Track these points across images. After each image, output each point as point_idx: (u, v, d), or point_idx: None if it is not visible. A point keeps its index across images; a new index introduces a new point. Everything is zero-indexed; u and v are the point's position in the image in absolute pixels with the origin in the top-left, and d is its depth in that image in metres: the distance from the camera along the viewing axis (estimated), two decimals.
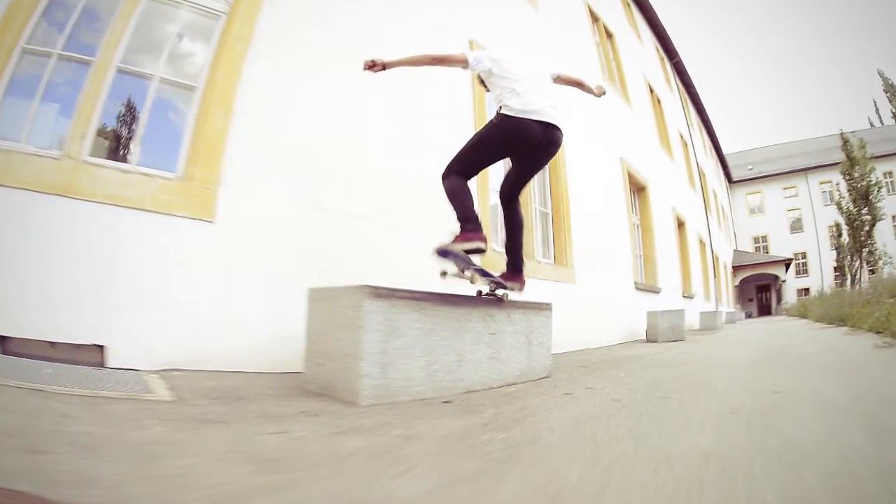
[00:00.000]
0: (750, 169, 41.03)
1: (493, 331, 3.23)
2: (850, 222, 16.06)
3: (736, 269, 31.98)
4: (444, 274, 3.22)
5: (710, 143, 28.24)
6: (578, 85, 3.68)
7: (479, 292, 3.40)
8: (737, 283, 32.48)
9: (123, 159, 3.35)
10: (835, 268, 33.39)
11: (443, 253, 3.11)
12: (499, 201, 3.45)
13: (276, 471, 1.37)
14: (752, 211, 40.53)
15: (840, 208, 16.54)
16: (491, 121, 3.14)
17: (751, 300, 37.47)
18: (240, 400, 2.38)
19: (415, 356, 2.69)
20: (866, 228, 15.20)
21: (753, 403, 2.31)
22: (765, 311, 37.64)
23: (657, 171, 12.43)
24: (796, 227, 38.94)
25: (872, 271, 18.46)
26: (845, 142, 15.61)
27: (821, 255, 37.11)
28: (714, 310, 15.45)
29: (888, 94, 44.08)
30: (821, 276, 36.22)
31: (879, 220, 15.37)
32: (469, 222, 3.00)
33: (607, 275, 8.20)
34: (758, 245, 39.31)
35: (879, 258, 17.95)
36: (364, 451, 1.61)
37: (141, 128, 3.45)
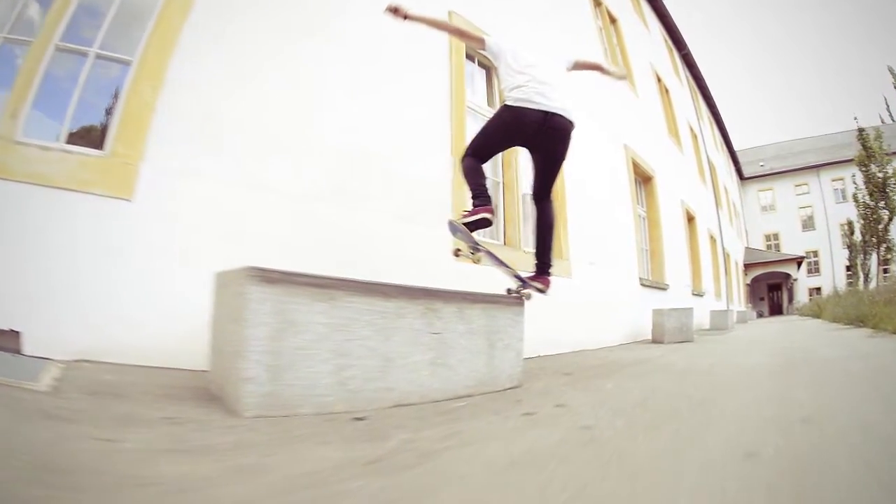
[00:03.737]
0: (762, 165, 39.91)
1: (438, 329, 2.55)
2: (865, 217, 14.93)
3: (747, 267, 30.96)
4: (457, 252, 3.46)
5: (721, 138, 27.31)
6: (597, 68, 3.83)
7: (508, 290, 3.42)
8: (748, 281, 31.47)
9: (58, 139, 3.06)
10: (847, 267, 32.34)
11: (452, 228, 3.29)
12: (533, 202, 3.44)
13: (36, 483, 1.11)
14: (764, 208, 39.39)
15: (856, 201, 15.43)
16: (497, 110, 3.26)
17: (762, 299, 36.36)
18: (117, 397, 2.06)
19: (320, 358, 2.10)
20: (883, 223, 14.07)
21: (777, 440, 1.60)
22: (776, 310, 36.51)
23: (665, 161, 11.65)
24: (808, 224, 37.77)
25: (886, 270, 17.47)
26: (861, 131, 14.50)
27: (832, 253, 35.98)
28: (725, 308, 14.62)
29: (858, 138, 42.75)
30: (832, 274, 35.18)
31: (892, 217, 14.29)
32: (477, 197, 3.08)
33: (608, 269, 7.48)
34: (769, 243, 38.15)
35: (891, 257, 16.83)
36: (168, 480, 1.22)
37: (73, 106, 3.15)
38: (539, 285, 3.35)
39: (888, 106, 47.24)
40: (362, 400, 2.20)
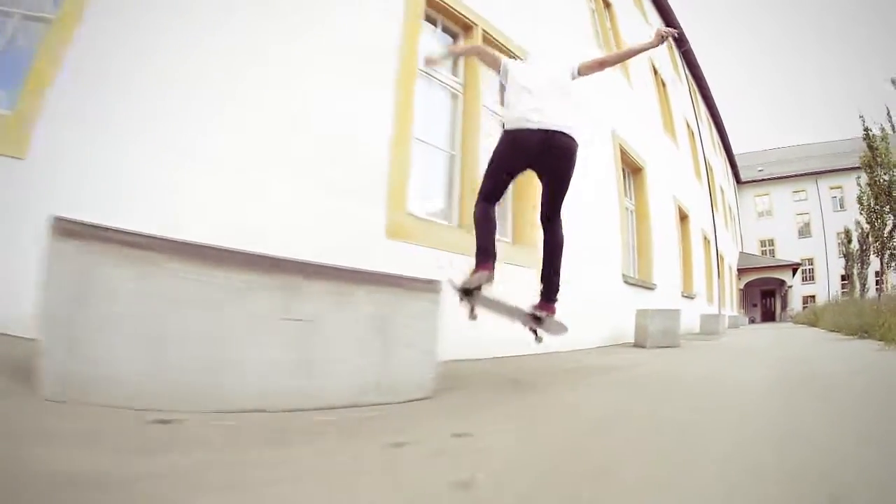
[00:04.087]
0: (760, 170, 39.21)
1: (302, 315, 1.84)
2: (871, 222, 14.03)
3: (741, 271, 30.31)
4: (473, 315, 3.15)
5: (720, 140, 26.63)
6: (616, 61, 3.77)
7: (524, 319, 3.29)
8: (741, 286, 30.83)
9: None
10: (842, 276, 31.77)
11: (460, 291, 3.04)
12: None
13: None
14: (760, 214, 38.70)
15: (861, 204, 14.53)
16: (498, 140, 3.13)
17: (755, 305, 35.69)
18: None
19: (129, 337, 1.63)
20: (888, 229, 13.21)
21: None
22: (769, 316, 35.86)
23: (658, 153, 10.90)
24: (804, 231, 37.13)
25: (878, 282, 16.82)
26: (867, 132, 13.70)
27: (828, 262, 35.35)
28: (716, 313, 13.90)
29: (864, 138, 42.33)
30: (828, 283, 34.69)
31: None
32: (479, 254, 3.00)
33: (587, 263, 6.74)
34: (764, 249, 37.48)
35: None
36: None
37: None
38: (542, 313, 3.17)
39: (890, 117, 46.87)
40: (182, 398, 1.65)
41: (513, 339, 4.67)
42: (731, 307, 22.01)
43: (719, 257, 18.19)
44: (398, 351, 2.20)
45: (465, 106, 5.37)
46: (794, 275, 33.72)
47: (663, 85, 13.55)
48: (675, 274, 11.01)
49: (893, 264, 13.57)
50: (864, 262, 25.40)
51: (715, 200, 19.44)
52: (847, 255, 27.35)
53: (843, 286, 32.54)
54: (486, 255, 2.96)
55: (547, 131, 2.91)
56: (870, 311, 7.99)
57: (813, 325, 15.00)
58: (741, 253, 31.94)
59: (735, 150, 32.48)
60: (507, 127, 3.03)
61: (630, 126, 9.15)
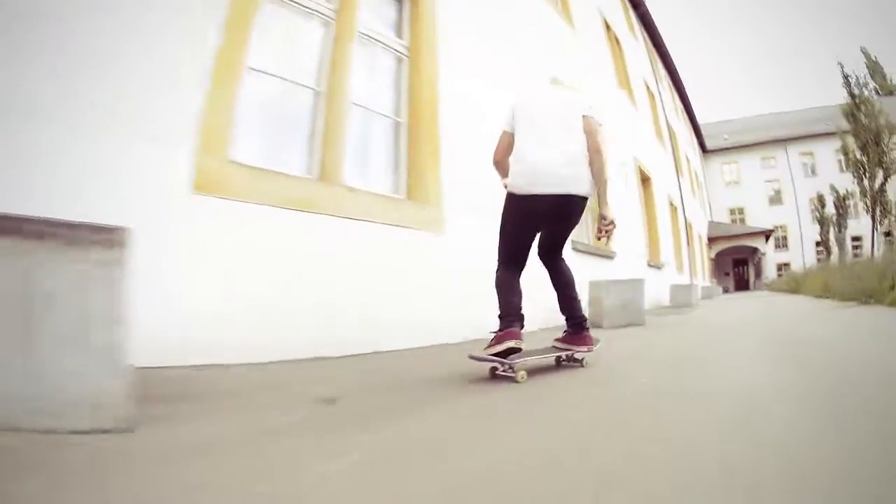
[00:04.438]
0: (726, 139, 38.45)
1: None
2: (857, 174, 12.54)
3: (711, 240, 29.42)
4: (493, 373, 2.64)
5: (682, 107, 25.65)
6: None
7: (558, 359, 3.02)
8: (712, 255, 29.97)
9: None
10: (817, 242, 31.30)
11: (477, 359, 2.65)
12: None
13: None
14: (728, 183, 38.02)
15: (845, 154, 13.00)
16: (505, 204, 2.84)
17: (727, 274, 34.98)
18: None
19: None
20: (879, 181, 11.75)
21: None
22: (742, 285, 35.19)
23: (612, 107, 9.66)
24: (775, 199, 36.57)
25: (889, 234, 15.21)
26: (846, 78, 12.35)
27: (801, 228, 34.87)
28: (688, 283, 12.79)
29: (870, 71, 42.37)
30: (802, 250, 34.21)
31: (893, 174, 11.85)
32: (504, 317, 2.69)
33: None
34: (734, 217, 36.75)
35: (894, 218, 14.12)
36: None
37: None
38: (582, 347, 2.93)
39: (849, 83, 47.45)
40: None
41: (406, 325, 3.53)
42: (704, 277, 21.07)
43: (688, 224, 17.17)
44: (54, 349, 1.30)
45: (412, 70, 4.59)
46: (767, 241, 33.11)
47: (617, 42, 12.35)
48: (638, 241, 9.77)
49: (886, 221, 12.25)
50: (841, 226, 24.85)
51: (680, 165, 18.40)
52: (822, 221, 26.80)
53: (818, 252, 32.35)
54: (510, 317, 2.67)
55: (561, 196, 2.65)
56: (871, 274, 6.83)
57: (794, 291, 13.99)
58: (710, 222, 31.15)
59: (700, 119, 31.76)
60: (517, 191, 2.71)
61: (573, 73, 7.86)
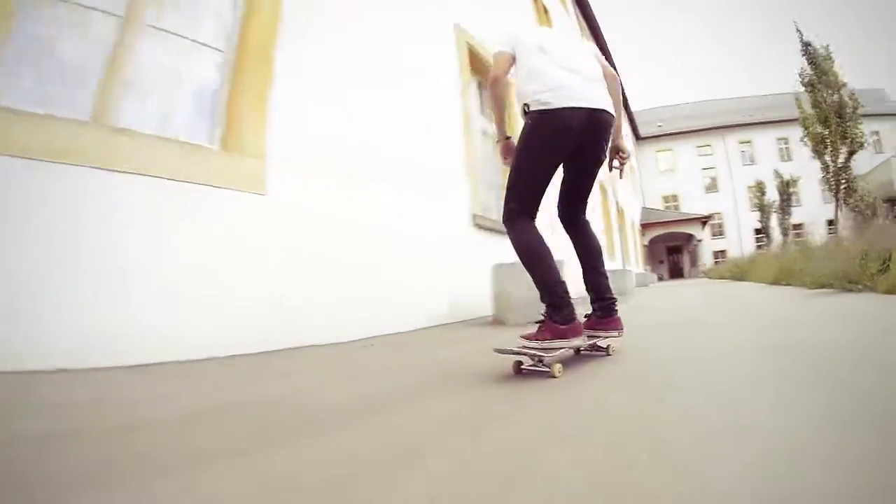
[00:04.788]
0: (660, 126, 38.65)
1: None
2: (817, 150, 11.40)
3: (645, 227, 29.24)
4: (518, 368, 2.10)
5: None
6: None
7: (577, 350, 2.42)
8: (645, 242, 29.77)
9: None
10: (756, 230, 31.71)
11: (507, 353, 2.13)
12: (560, 224, 2.58)
13: None
14: (663, 170, 38.13)
15: (805, 127, 11.73)
16: (524, 127, 2.24)
17: (661, 262, 35.12)
18: None
19: None
20: (842, 157, 10.76)
21: None
22: (677, 273, 35.42)
23: None
24: (711, 187, 36.95)
25: (858, 210, 14.41)
26: (807, 46, 11.39)
27: (739, 216, 35.41)
28: (622, 269, 11.97)
29: (803, 53, 43.51)
30: (739, 237, 34.70)
31: (858, 147, 10.91)
32: (555, 303, 2.09)
33: (418, 200, 4.37)
34: (668, 205, 36.87)
35: (863, 196, 13.11)
36: None
37: None
38: (614, 333, 2.42)
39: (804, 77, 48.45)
40: None
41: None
42: (637, 264, 20.61)
43: (619, 209, 16.51)
44: None
45: None
46: (703, 227, 33.26)
47: (545, 11, 11.36)
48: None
49: (851, 200, 11.42)
50: (784, 212, 24.98)
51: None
52: (762, 208, 26.92)
53: (757, 240, 32.86)
54: (567, 303, 2.09)
55: (594, 110, 2.21)
56: (845, 256, 5.85)
57: (739, 278, 13.37)
58: (644, 208, 31.05)
59: (634, 106, 31.61)
60: (541, 105, 2.15)
61: (486, 24, 6.73)
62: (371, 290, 3.68)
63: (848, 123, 10.05)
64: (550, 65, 2.25)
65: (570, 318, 2.08)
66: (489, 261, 4.61)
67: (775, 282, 8.69)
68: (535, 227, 2.28)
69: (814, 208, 31.22)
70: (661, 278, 28.74)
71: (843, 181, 10.22)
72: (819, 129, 10.38)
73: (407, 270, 4.11)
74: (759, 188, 27.16)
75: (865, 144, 10.30)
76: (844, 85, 10.18)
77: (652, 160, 37.79)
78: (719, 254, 34.18)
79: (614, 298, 2.48)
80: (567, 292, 2.13)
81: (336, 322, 3.33)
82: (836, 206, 10.48)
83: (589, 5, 17.98)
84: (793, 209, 26.81)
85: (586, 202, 2.54)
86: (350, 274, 3.52)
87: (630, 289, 9.55)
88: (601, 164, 2.45)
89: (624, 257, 16.78)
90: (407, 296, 4.07)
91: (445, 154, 5.08)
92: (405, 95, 4.60)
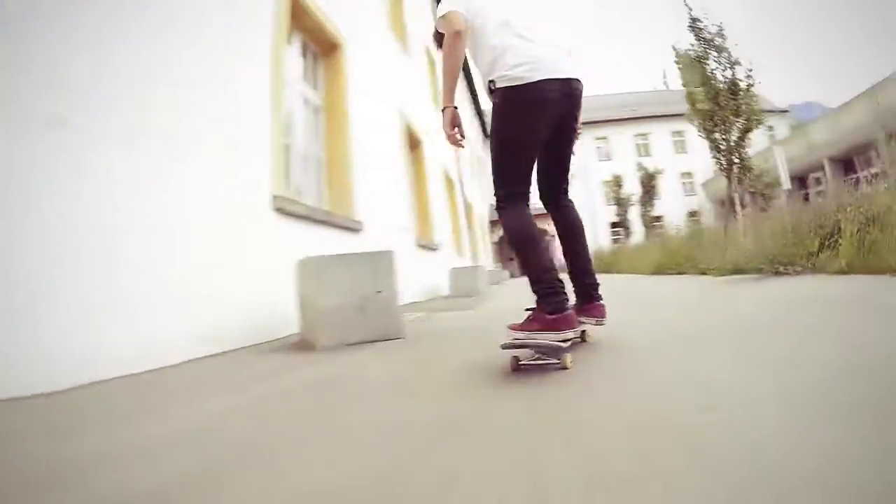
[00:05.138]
0: None
1: None
2: (706, 128, 10.53)
3: (494, 223, 29.30)
4: (517, 365, 1.90)
5: (467, 85, 24.84)
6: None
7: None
8: (495, 240, 29.92)
9: None
10: (613, 223, 33.19)
11: (516, 347, 1.97)
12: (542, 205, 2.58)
13: None
14: None
15: (692, 101, 10.74)
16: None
17: (511, 259, 35.68)
18: None
19: None
20: (736, 134, 10.10)
21: None
22: None
23: (371, 40, 7.40)
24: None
25: (764, 195, 14.28)
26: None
27: (595, 210, 36.87)
28: (473, 265, 11.14)
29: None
30: (594, 231, 36.08)
31: (755, 125, 10.43)
32: (548, 295, 2.00)
33: (178, 176, 2.93)
34: None
35: (760, 175, 12.22)
36: None
37: None
38: (594, 319, 2.30)
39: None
40: None
41: None
42: (488, 261, 20.29)
43: (468, 204, 15.91)
44: None
45: None
46: None
47: None
48: (401, 213, 7.66)
49: (746, 180, 10.91)
50: (647, 204, 25.86)
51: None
52: (619, 201, 27.72)
53: (613, 233, 34.27)
54: (556, 292, 2.00)
55: (569, 80, 2.15)
56: (762, 237, 5.33)
57: (604, 271, 13.02)
58: (492, 205, 31.23)
59: (484, 105, 31.67)
60: (510, 81, 2.08)
61: None
62: (93, 302, 2.26)
63: (742, 100, 9.71)
64: (518, 38, 2.11)
65: (560, 307, 1.96)
66: (306, 253, 3.33)
67: (658, 271, 8.35)
68: (527, 211, 2.24)
69: (671, 201, 33.81)
70: (512, 275, 29.03)
71: (737, 160, 9.80)
72: (707, 105, 9.96)
73: (164, 272, 2.70)
74: (617, 182, 27.74)
75: (763, 121, 10.02)
76: (738, 63, 9.84)
77: None
78: None
79: (597, 283, 2.38)
80: (558, 280, 2.03)
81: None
82: (729, 188, 10.06)
83: None
84: (688, 197, 28.50)
85: (568, 179, 2.48)
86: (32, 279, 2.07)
87: (483, 288, 8.71)
88: (577, 137, 2.38)
89: (474, 253, 16.22)
90: (164, 311, 2.66)
91: (241, 121, 3.69)
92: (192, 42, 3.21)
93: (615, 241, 28.95)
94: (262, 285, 3.49)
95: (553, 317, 1.93)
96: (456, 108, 2.32)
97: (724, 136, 9.69)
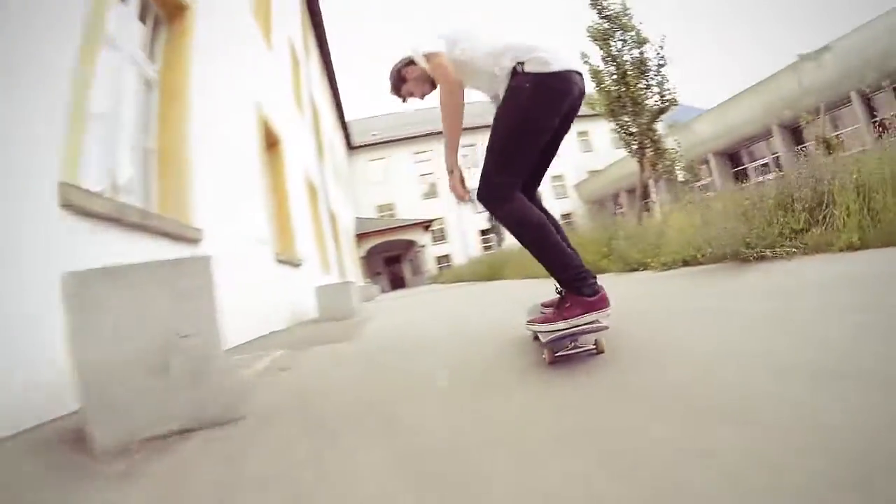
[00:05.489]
0: (374, 135, 38.60)
1: None
2: (612, 110, 9.57)
3: (360, 237, 28.29)
4: (554, 357, 1.94)
5: (332, 97, 23.82)
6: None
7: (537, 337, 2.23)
8: (362, 254, 28.80)
9: None
10: (483, 231, 33.28)
11: (556, 340, 1.93)
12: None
13: None
14: (376, 182, 37.86)
15: (598, 82, 9.78)
16: (516, 88, 2.06)
17: (378, 273, 34.76)
18: None
19: None
20: (647, 116, 9.39)
21: None
22: (398, 283, 35.36)
23: (222, 21, 6.28)
24: (430, 192, 37.95)
25: (686, 181, 13.07)
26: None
27: (461, 219, 36.81)
28: (343, 281, 9.98)
29: (592, 6, 52.55)
30: (463, 241, 36.13)
31: (669, 104, 9.77)
32: (585, 277, 2.01)
33: None
34: (384, 214, 36.79)
35: (674, 159, 10.60)
36: None
37: None
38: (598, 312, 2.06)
39: None
40: None
41: None
42: (357, 276, 19.27)
43: (332, 215, 14.86)
44: None
45: None
46: (426, 231, 33.35)
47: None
48: (257, 222, 6.55)
49: (660, 164, 10.25)
50: None
51: (323, 149, 16.05)
52: None
53: (483, 241, 34.64)
54: (588, 273, 2.03)
55: (581, 76, 2.16)
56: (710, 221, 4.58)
57: (490, 278, 12.41)
58: (358, 218, 30.17)
59: (348, 116, 30.90)
60: (541, 66, 2.01)
61: None
62: None
63: (653, 79, 9.27)
64: (508, 38, 2.12)
65: (596, 288, 1.99)
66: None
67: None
68: (521, 199, 2.12)
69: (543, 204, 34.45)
70: (383, 290, 28.05)
71: (649, 143, 9.34)
72: (613, 87, 9.39)
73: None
74: None
75: (676, 103, 9.59)
76: (647, 41, 9.38)
77: (364, 170, 37.46)
78: (443, 259, 35.26)
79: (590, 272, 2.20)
80: (582, 262, 2.06)
81: None
82: (642, 174, 9.65)
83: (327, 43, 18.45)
84: (560, 200, 28.73)
85: (541, 179, 2.44)
86: None
87: (356, 307, 7.74)
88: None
89: (341, 269, 15.17)
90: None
91: (16, 70, 2.53)
92: None
93: (486, 248, 29.11)
94: (34, 331, 2.34)
95: (593, 298, 1.96)
96: (458, 169, 2.33)
97: (633, 119, 9.37)
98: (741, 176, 21.29)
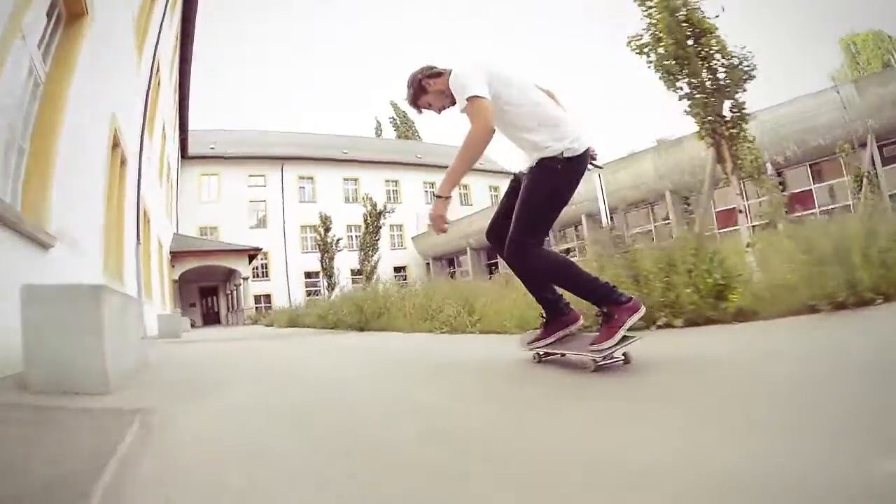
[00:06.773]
0: (212, 147, 36.89)
1: None
2: (673, 69, 6.05)
3: (176, 257, 25.67)
4: (596, 365, 2.37)
5: (178, 95, 22.90)
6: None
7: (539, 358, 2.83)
8: (175, 277, 26.19)
9: None
10: (307, 273, 32.44)
11: (608, 349, 2.32)
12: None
13: None
14: (205, 201, 36.10)
15: (655, 39, 6.48)
16: (550, 168, 2.47)
17: (193, 305, 32.07)
18: None
19: None
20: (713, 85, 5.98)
21: None
22: (211, 319, 33.11)
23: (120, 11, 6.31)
24: (260, 222, 36.61)
25: (755, 172, 10.36)
26: None
27: (287, 256, 35.75)
28: (128, 296, 8.35)
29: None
30: (287, 282, 35.09)
31: (746, 77, 6.71)
32: (614, 290, 2.45)
33: None
34: (205, 237, 34.14)
35: (757, 155, 7.88)
36: None
37: None
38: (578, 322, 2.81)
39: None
40: None
41: None
42: (165, 302, 17.28)
43: (145, 213, 12.35)
44: None
45: None
46: (251, 262, 30.73)
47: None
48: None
49: (749, 158, 6.15)
50: (371, 248, 23.12)
51: (152, 128, 13.39)
52: (323, 247, 25.00)
53: (307, 284, 33.91)
54: (613, 286, 2.49)
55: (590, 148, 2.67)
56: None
57: (335, 326, 9.97)
58: (177, 234, 27.82)
59: (194, 125, 29.99)
60: (573, 153, 2.47)
61: None
62: None
63: (706, 43, 5.79)
64: (557, 108, 2.57)
65: (625, 294, 2.43)
66: None
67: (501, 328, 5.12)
68: (546, 251, 2.59)
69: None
70: (193, 324, 25.28)
71: (728, 121, 5.63)
72: (672, 44, 5.55)
73: None
74: (325, 223, 24.99)
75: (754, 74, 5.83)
76: (698, 8, 5.69)
77: (196, 184, 35.44)
78: (263, 298, 33.27)
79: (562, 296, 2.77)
80: (599, 281, 2.49)
81: None
82: (713, 167, 5.80)
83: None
84: (395, 251, 27.30)
85: None
86: None
87: (138, 360, 5.33)
88: None
89: (142, 286, 11.31)
90: None
91: None
92: None
93: (310, 293, 27.38)
94: None
95: (630, 303, 2.38)
96: (450, 197, 2.50)
97: (697, 84, 5.75)
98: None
